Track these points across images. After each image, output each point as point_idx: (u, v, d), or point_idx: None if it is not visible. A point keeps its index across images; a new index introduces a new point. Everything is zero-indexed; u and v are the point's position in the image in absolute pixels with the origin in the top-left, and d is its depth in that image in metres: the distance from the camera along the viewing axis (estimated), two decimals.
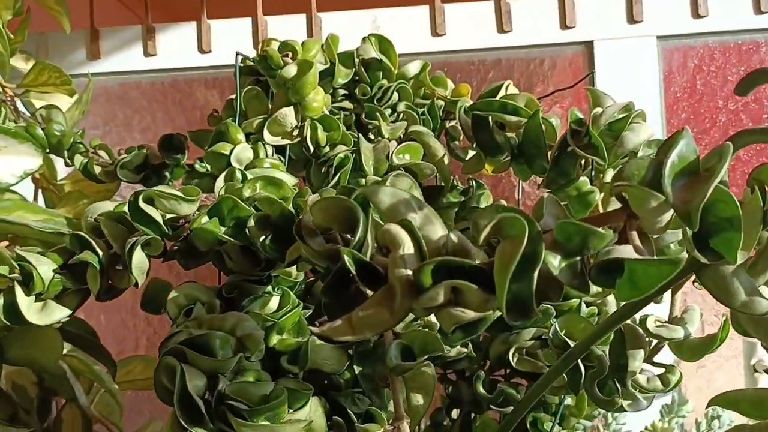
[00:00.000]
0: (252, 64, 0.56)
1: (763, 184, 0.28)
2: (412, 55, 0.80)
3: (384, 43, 0.66)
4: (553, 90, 0.61)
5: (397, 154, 0.52)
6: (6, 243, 0.61)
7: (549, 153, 0.54)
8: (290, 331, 0.43)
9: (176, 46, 0.83)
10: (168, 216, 0.44)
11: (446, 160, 0.60)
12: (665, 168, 0.26)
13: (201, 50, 0.83)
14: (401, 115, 0.64)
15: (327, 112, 0.59)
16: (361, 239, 0.30)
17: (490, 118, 0.59)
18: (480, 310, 0.27)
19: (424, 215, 0.31)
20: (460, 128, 0.68)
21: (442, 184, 0.63)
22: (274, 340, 0.43)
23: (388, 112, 0.66)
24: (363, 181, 0.52)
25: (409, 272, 0.28)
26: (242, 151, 0.51)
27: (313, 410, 0.40)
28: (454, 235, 0.29)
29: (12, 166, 0.54)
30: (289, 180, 0.51)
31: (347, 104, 0.67)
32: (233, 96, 0.55)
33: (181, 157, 0.65)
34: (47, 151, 0.62)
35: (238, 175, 0.49)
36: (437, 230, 0.31)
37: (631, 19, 0.74)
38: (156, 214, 0.42)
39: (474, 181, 0.65)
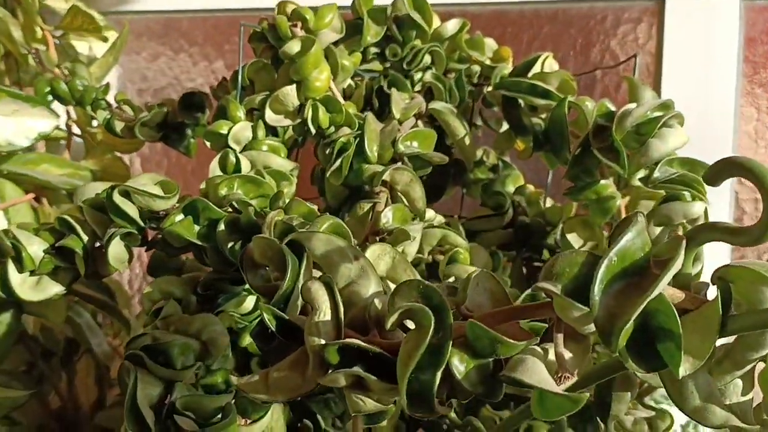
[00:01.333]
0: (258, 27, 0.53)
1: (728, 284, 0.24)
2: (456, 5, 0.74)
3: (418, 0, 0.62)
4: (594, 68, 0.55)
5: (403, 141, 0.49)
6: (32, 195, 0.63)
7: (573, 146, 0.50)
8: None
9: None
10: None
11: (467, 141, 0.56)
12: (597, 273, 0.22)
13: None
14: (426, 85, 0.60)
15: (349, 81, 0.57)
16: (288, 291, 0.29)
17: (522, 102, 0.55)
18: (384, 397, 0.26)
19: (359, 268, 0.29)
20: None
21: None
22: (246, 341, 0.43)
23: (419, 75, 0.62)
24: (366, 167, 0.50)
25: (322, 342, 0.26)
26: (240, 131, 0.49)
27: (274, 419, 0.41)
28: (379, 301, 0.27)
29: (26, 128, 0.55)
30: (285, 166, 0.49)
31: (377, 65, 0.64)
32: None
33: (202, 116, 0.64)
34: (73, 104, 0.63)
35: (232, 158, 0.47)
36: (370, 286, 0.29)
37: None
38: (131, 210, 0.42)
39: (501, 161, 0.61)
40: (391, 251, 0.42)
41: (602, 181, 0.47)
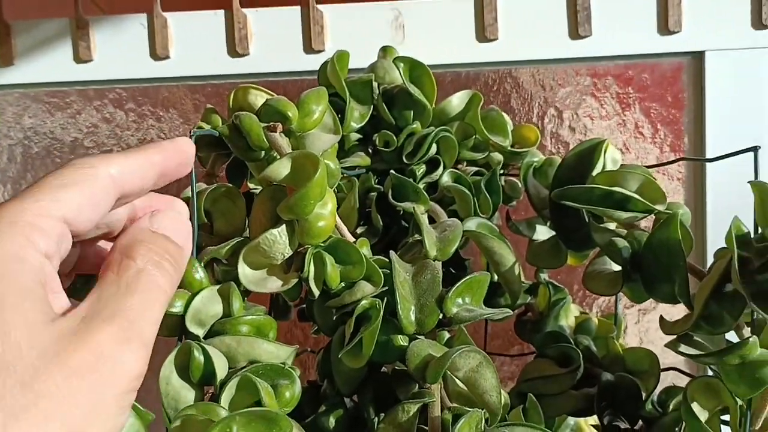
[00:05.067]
0: (215, 132, 0.37)
1: None
2: (450, 66, 0.60)
3: (417, 68, 0.47)
4: (676, 158, 0.42)
5: (453, 299, 0.34)
6: None
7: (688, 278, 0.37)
8: None
9: (119, 49, 0.62)
10: None
11: (517, 269, 0.41)
12: None
13: (154, 55, 0.62)
14: (446, 191, 0.45)
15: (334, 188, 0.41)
16: None
17: (583, 210, 0.41)
18: None
19: None
20: (522, 189, 0.50)
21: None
22: None
23: (421, 170, 0.48)
24: (400, 339, 0.34)
25: None
26: (204, 306, 0.32)
27: None
28: None
29: None
30: (280, 354, 0.33)
31: (361, 158, 0.48)
32: (187, 192, 0.36)
33: None
34: None
35: (198, 356, 0.31)
36: None
37: (759, 23, 0.54)
38: None
39: (549, 284, 0.47)
40: None
41: (750, 341, 0.33)
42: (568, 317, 0.46)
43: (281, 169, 0.32)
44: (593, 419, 0.46)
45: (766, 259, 0.33)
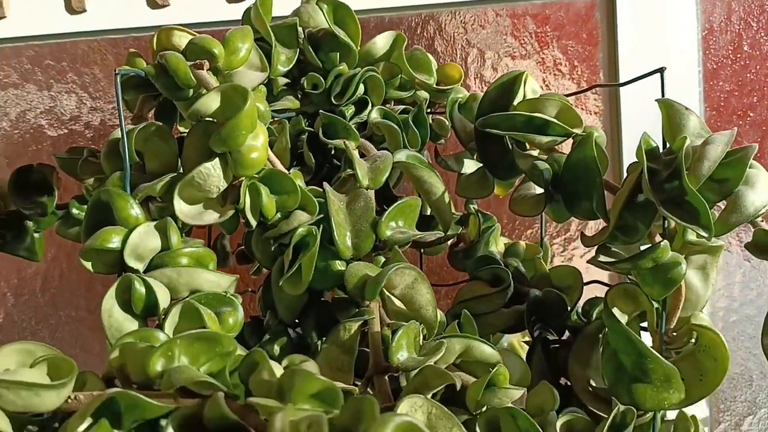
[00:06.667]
0: (141, 73, 0.37)
1: None
2: (370, 11, 0.61)
3: (341, 10, 0.48)
4: (590, 86, 0.45)
5: (386, 222, 0.36)
6: None
7: (604, 194, 0.39)
8: None
9: (33, 4, 0.60)
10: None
11: (446, 198, 0.43)
12: None
13: (69, 8, 0.60)
14: (373, 128, 0.47)
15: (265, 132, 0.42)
16: None
17: (506, 137, 0.43)
18: None
19: None
20: (449, 126, 0.51)
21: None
22: None
23: (350, 111, 0.49)
24: (338, 264, 0.35)
25: None
26: (142, 241, 0.33)
27: None
28: None
29: None
30: (221, 282, 0.34)
31: (290, 101, 0.49)
32: (117, 134, 0.36)
33: (48, 200, 0.46)
34: None
35: (139, 287, 0.31)
36: None
37: None
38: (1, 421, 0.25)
39: (478, 212, 0.49)
40: (426, 404, 0.30)
41: (662, 244, 0.36)
42: (498, 243, 0.48)
43: (210, 102, 0.33)
44: (526, 337, 0.49)
45: (672, 169, 0.36)
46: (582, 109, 0.59)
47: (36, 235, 0.46)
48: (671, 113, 0.38)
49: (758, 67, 0.59)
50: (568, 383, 0.43)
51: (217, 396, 0.24)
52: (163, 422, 0.25)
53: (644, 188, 0.36)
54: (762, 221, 0.35)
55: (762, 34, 0.59)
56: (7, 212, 0.45)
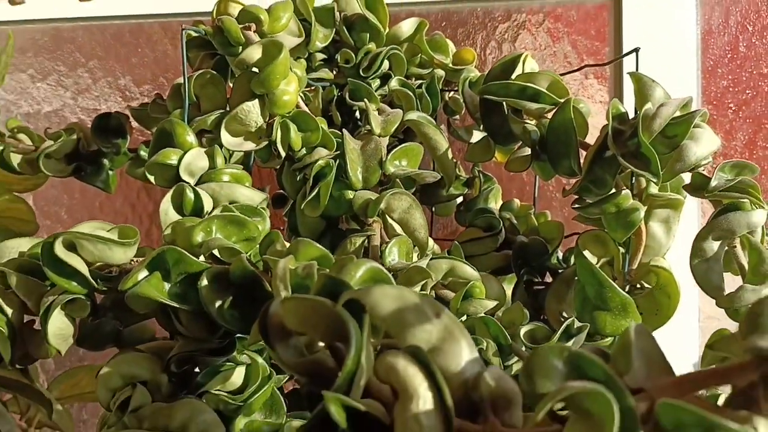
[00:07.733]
0: (202, 32, 0.46)
1: None
2: (403, 4, 0.70)
3: None
4: (582, 65, 0.52)
5: (392, 161, 0.43)
6: None
7: (579, 152, 0.46)
8: (262, 410, 0.36)
9: None
10: (97, 264, 0.35)
11: (449, 154, 0.51)
12: None
13: None
14: (393, 94, 0.54)
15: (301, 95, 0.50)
16: (352, 371, 0.22)
17: (504, 104, 0.50)
18: None
19: (443, 328, 0.23)
20: (462, 102, 0.59)
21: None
22: (241, 425, 0.35)
23: (376, 84, 0.57)
24: (350, 194, 0.43)
25: None
26: (194, 160, 0.41)
27: None
28: (491, 377, 0.21)
29: None
30: (254, 198, 0.42)
31: (325, 73, 0.57)
32: (180, 80, 0.45)
33: (121, 142, 0.55)
34: None
35: (189, 194, 0.40)
36: (462, 352, 0.23)
37: None
38: (80, 264, 0.33)
39: (480, 173, 0.56)
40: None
41: (623, 192, 0.43)
42: (497, 200, 0.55)
43: (253, 53, 0.41)
44: None
45: (633, 129, 0.42)
46: (589, 98, 0.66)
47: (110, 172, 0.56)
48: (640, 85, 0.45)
49: (753, 66, 0.65)
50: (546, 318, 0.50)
51: (241, 256, 0.33)
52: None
53: (609, 144, 0.43)
54: (703, 170, 0.41)
55: (757, 36, 0.65)
56: (89, 151, 0.54)
